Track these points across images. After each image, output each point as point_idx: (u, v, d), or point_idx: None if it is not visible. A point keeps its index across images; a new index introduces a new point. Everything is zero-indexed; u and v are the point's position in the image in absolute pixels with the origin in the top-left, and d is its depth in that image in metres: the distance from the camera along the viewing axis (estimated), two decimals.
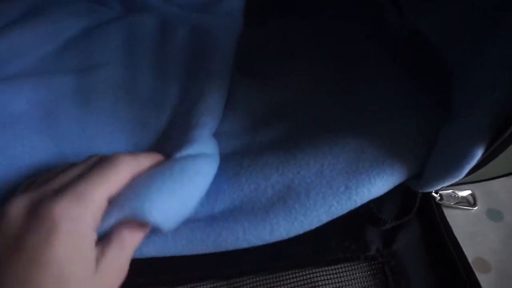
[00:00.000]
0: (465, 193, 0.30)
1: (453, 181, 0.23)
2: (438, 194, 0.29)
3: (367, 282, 0.26)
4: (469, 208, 0.29)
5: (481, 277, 0.25)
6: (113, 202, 0.21)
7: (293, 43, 0.39)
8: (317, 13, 0.43)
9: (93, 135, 0.30)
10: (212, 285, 0.27)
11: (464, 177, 0.24)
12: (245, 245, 0.25)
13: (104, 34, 0.36)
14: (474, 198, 0.30)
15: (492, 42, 0.26)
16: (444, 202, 0.29)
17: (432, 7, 0.33)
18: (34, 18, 0.35)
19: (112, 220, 0.21)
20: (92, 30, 0.37)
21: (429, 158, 0.25)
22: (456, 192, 0.30)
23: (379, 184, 0.25)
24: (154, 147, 0.30)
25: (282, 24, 0.41)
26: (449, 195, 0.29)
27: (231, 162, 0.28)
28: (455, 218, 0.28)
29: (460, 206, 0.29)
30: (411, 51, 0.35)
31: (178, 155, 0.25)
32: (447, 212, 0.28)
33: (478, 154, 0.21)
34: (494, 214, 0.29)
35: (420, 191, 0.26)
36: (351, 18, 0.41)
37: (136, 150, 0.30)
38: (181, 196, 0.23)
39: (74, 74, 0.33)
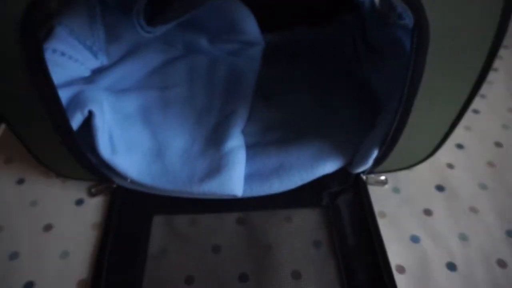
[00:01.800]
0: (382, 177, 0.51)
1: (365, 168, 0.45)
2: (365, 176, 0.50)
3: (320, 219, 0.47)
4: (382, 186, 0.51)
5: (380, 221, 0.47)
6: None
7: (294, 79, 0.60)
8: (312, 59, 0.65)
9: (171, 126, 0.51)
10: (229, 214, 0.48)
11: (376, 167, 0.46)
12: (254, 194, 0.46)
13: (174, 66, 0.58)
14: (386, 180, 0.51)
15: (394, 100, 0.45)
16: (369, 180, 0.50)
17: (378, 66, 0.54)
18: (133, 55, 0.56)
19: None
20: (166, 63, 0.59)
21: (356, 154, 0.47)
22: (377, 176, 0.51)
23: (330, 166, 0.46)
24: (205, 137, 0.51)
25: (288, 66, 0.63)
26: (371, 178, 0.50)
27: (250, 150, 0.49)
28: (374, 191, 0.50)
29: (377, 185, 0.51)
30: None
31: (230, 144, 0.47)
32: (369, 187, 0.50)
33: (375, 153, 0.43)
34: (396, 190, 0.51)
35: (352, 172, 0.48)
36: (334, 62, 0.62)
37: (195, 138, 0.51)
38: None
39: (157, 90, 0.55)
